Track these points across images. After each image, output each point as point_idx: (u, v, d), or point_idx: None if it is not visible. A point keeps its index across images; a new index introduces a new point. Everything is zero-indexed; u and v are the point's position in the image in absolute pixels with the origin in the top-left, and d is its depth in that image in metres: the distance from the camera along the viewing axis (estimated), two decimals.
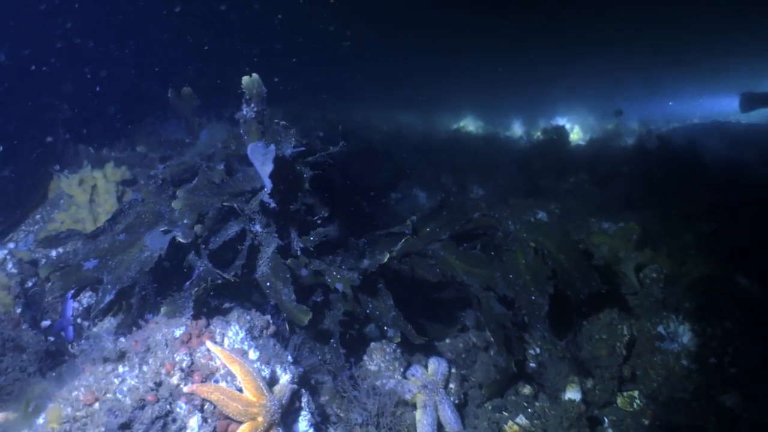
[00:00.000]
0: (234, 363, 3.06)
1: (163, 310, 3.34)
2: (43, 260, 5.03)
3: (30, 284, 4.81)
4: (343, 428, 3.72)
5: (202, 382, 3.03)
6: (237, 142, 4.27)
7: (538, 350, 4.81)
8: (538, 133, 13.76)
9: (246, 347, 3.39)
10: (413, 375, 4.12)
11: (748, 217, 5.92)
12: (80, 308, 4.73)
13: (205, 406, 2.96)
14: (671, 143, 9.19)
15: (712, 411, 4.58)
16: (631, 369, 4.89)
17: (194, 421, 2.89)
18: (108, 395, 2.84)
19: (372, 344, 4.31)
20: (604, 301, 4.93)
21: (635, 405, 4.77)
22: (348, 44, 12.11)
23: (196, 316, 3.31)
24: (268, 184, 3.33)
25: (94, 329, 4.20)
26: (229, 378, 3.10)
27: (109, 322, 4.25)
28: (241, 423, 2.93)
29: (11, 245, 5.29)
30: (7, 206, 5.17)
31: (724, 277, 5.39)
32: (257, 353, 3.38)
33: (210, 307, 3.52)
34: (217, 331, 3.37)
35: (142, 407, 2.81)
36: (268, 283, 3.63)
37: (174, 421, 2.86)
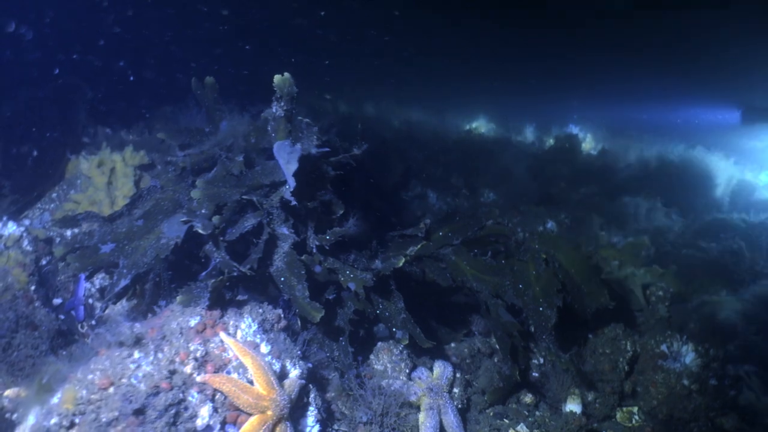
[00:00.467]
0: (246, 356, 3.11)
1: (178, 299, 3.37)
2: (58, 239, 5.08)
3: (44, 262, 4.86)
4: (348, 426, 3.77)
5: (214, 372, 3.07)
6: (258, 135, 4.29)
7: (541, 360, 4.85)
8: (551, 140, 13.77)
9: (258, 340, 3.43)
10: (419, 377, 4.16)
11: None
12: (92, 289, 4.79)
13: (217, 396, 3.00)
14: None
15: None
16: (632, 385, 4.92)
17: (205, 411, 2.94)
18: (123, 380, 2.88)
19: (379, 344, 4.36)
20: (610, 316, 4.96)
21: (634, 421, 4.81)
22: (372, 45, 12.31)
23: (211, 307, 3.35)
24: (291, 182, 3.36)
25: (106, 311, 4.24)
26: (241, 370, 3.15)
27: (121, 305, 4.31)
28: (250, 415, 2.98)
29: (26, 222, 5.35)
30: (25, 183, 5.21)
31: (729, 300, 5.42)
32: (269, 347, 3.42)
33: (224, 299, 3.56)
34: (231, 322, 3.41)
35: (156, 394, 2.85)
36: (282, 278, 3.67)
37: (186, 409, 2.90)
